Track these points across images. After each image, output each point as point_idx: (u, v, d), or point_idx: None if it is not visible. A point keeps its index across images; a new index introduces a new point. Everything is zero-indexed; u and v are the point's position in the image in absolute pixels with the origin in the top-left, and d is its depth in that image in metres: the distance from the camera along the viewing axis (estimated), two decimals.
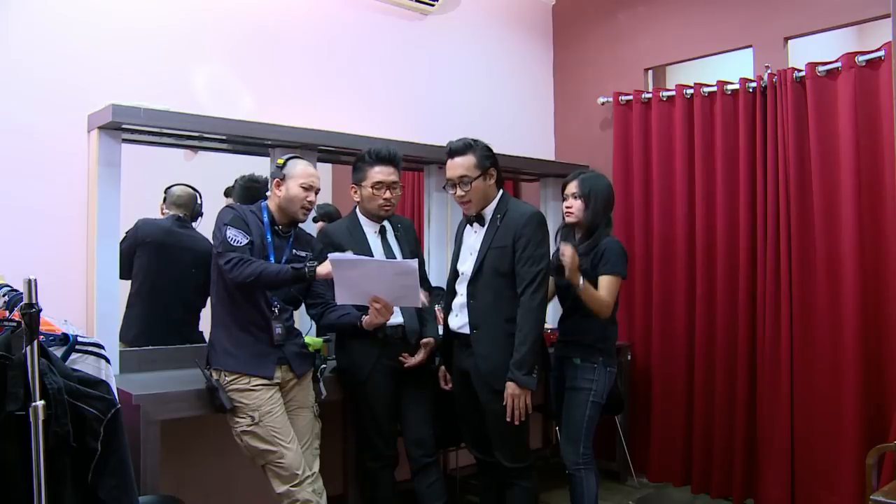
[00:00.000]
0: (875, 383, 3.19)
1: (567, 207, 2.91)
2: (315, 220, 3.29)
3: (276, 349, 2.50)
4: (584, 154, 4.33)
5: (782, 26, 3.62)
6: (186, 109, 2.84)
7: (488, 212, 2.63)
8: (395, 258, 2.74)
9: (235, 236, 2.42)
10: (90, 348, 1.78)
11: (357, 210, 2.82)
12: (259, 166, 3.15)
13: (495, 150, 2.67)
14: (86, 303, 2.77)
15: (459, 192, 2.60)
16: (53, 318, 1.86)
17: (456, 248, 2.77)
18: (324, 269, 2.39)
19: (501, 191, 2.67)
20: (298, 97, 3.44)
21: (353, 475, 3.04)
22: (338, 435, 3.06)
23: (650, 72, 4.22)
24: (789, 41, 3.63)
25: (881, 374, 3.18)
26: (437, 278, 3.32)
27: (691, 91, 3.83)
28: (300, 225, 2.66)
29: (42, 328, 1.59)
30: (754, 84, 3.61)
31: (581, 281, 2.68)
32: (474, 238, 2.66)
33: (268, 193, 2.60)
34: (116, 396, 1.71)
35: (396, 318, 2.70)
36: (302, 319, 2.90)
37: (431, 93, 3.99)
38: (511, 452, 2.59)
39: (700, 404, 3.76)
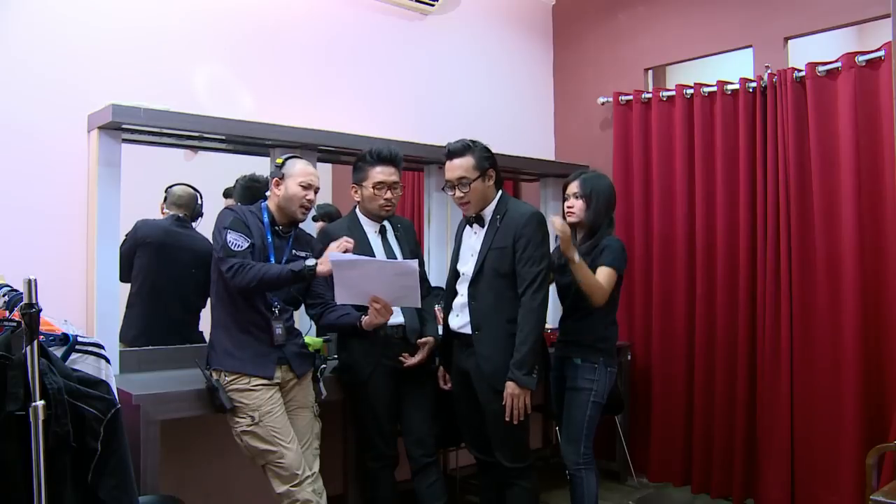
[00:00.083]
0: (875, 383, 3.19)
1: (568, 207, 2.90)
2: (315, 220, 3.29)
3: (277, 349, 2.49)
4: (584, 154, 4.33)
5: (782, 26, 3.62)
6: (186, 109, 2.85)
7: (488, 212, 2.63)
8: (396, 258, 2.74)
9: (236, 240, 2.42)
10: (90, 348, 1.78)
11: (357, 210, 2.82)
12: (259, 166, 3.15)
13: (495, 150, 2.67)
14: (86, 303, 2.78)
15: (458, 193, 2.60)
16: (53, 318, 1.86)
17: (455, 248, 2.77)
18: (324, 266, 2.39)
19: (501, 191, 2.67)
20: (298, 97, 3.44)
21: (353, 475, 3.04)
22: (338, 435, 3.05)
23: (650, 72, 4.22)
24: (789, 41, 3.63)
25: (881, 374, 3.18)
26: (437, 278, 3.32)
27: (691, 91, 3.83)
28: (300, 225, 2.66)
29: (42, 328, 1.59)
30: (754, 84, 3.61)
31: (577, 257, 2.65)
32: (474, 239, 2.66)
33: (267, 193, 2.60)
34: (116, 396, 1.71)
35: (397, 318, 2.70)
36: (302, 319, 2.90)
37: (431, 93, 3.99)
38: (511, 452, 2.59)
39: (700, 404, 3.76)
